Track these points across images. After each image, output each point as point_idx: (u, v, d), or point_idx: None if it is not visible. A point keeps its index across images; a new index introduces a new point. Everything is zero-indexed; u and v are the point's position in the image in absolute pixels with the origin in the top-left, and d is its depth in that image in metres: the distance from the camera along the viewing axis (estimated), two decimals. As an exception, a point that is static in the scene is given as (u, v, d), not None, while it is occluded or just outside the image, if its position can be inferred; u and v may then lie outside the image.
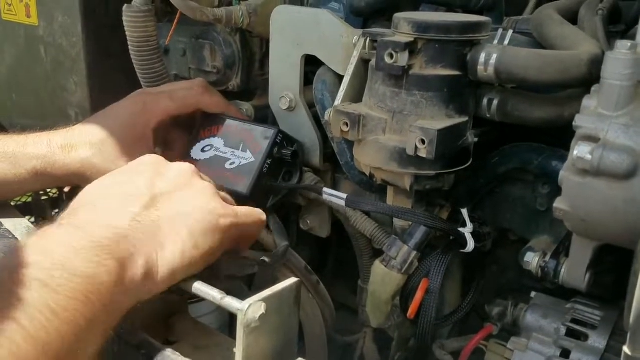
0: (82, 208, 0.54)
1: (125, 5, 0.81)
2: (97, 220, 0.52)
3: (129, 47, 0.83)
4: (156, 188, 0.57)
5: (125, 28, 0.81)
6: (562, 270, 0.62)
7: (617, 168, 0.49)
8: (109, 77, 0.98)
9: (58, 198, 1.40)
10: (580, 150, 0.51)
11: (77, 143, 0.75)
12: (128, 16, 0.81)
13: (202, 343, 0.58)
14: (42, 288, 0.43)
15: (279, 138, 0.77)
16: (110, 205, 0.54)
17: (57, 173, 0.75)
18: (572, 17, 0.70)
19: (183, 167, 0.62)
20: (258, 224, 0.64)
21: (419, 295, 0.66)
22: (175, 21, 0.86)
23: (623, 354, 0.44)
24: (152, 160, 0.62)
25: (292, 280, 0.55)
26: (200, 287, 0.54)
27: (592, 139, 0.51)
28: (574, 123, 0.53)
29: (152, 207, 0.55)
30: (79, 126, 0.78)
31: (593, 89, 0.54)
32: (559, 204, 0.54)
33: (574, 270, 0.59)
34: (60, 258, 0.46)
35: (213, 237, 0.56)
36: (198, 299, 0.57)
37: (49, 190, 1.40)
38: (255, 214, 0.64)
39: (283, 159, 0.77)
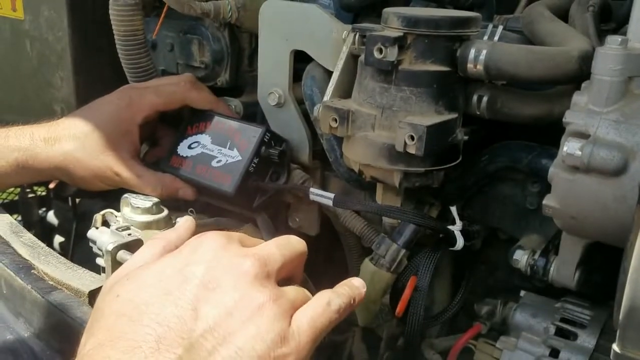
0: (117, 341, 0.43)
1: (112, -2, 0.80)
2: None
3: (116, 41, 0.82)
4: (202, 320, 0.44)
5: (112, 22, 0.80)
6: (552, 268, 0.61)
7: (607, 164, 0.49)
8: (96, 73, 0.97)
9: (45, 196, 1.39)
10: (570, 147, 0.50)
11: (61, 136, 0.74)
12: (115, 10, 0.80)
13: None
14: None
15: (267, 137, 0.76)
16: (146, 345, 0.42)
17: (40, 166, 0.74)
18: (563, 15, 0.70)
19: (242, 274, 0.47)
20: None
21: (406, 293, 0.66)
22: (163, 15, 0.85)
23: (612, 351, 0.44)
24: (202, 270, 0.46)
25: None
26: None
27: (582, 135, 0.51)
28: (563, 119, 0.52)
29: (192, 351, 0.43)
30: (63, 119, 0.77)
31: (583, 85, 0.54)
32: (548, 201, 0.53)
33: (564, 268, 0.59)
34: None
35: None
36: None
37: (35, 188, 1.38)
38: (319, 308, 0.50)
39: (270, 158, 0.76)
